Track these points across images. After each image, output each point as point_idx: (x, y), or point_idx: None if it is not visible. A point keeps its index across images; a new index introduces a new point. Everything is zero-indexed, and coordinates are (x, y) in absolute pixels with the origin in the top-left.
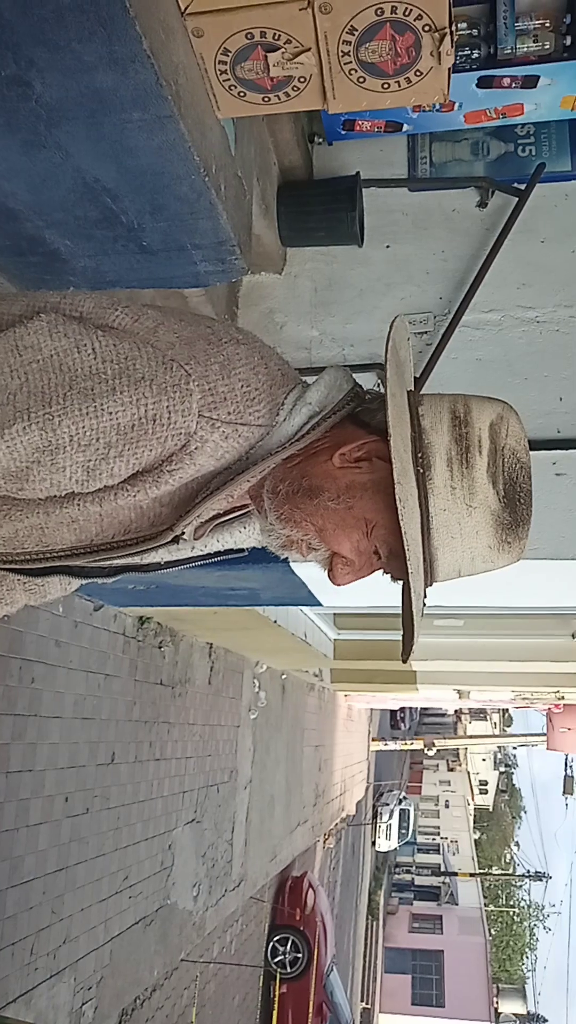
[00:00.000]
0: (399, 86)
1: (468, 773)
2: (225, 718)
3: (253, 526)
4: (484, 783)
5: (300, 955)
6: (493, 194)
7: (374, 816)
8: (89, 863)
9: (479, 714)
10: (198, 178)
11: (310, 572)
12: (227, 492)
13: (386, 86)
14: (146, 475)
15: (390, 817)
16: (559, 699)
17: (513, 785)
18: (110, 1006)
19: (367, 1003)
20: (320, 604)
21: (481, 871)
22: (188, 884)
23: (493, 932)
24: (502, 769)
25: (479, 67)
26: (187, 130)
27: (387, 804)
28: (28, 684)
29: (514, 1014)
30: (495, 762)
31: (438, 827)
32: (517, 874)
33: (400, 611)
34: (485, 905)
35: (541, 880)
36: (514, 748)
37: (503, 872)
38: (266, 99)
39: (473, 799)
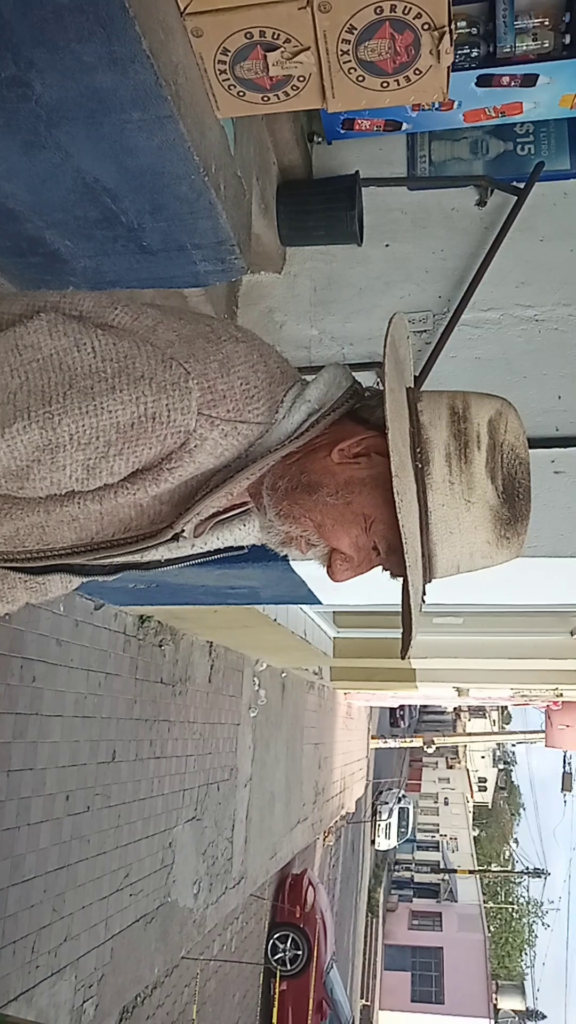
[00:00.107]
0: (398, 85)
1: (467, 770)
2: (225, 716)
3: (253, 523)
4: (483, 780)
5: (300, 952)
6: (492, 193)
7: (373, 814)
8: (90, 861)
9: (478, 711)
10: (198, 178)
11: (310, 570)
12: (227, 490)
13: (385, 85)
14: (146, 473)
15: (389, 816)
16: (558, 696)
17: (512, 782)
18: (111, 1004)
19: (367, 1000)
20: (320, 602)
21: (480, 868)
22: (188, 882)
23: (492, 929)
24: (501, 766)
25: (478, 66)
26: (186, 130)
27: (386, 803)
28: (29, 683)
29: (513, 1010)
30: (494, 759)
31: (437, 824)
32: (516, 871)
33: (399, 609)
34: (484, 902)
35: (540, 877)
36: (513, 745)
37: (502, 869)
38: (265, 98)
39: (472, 796)
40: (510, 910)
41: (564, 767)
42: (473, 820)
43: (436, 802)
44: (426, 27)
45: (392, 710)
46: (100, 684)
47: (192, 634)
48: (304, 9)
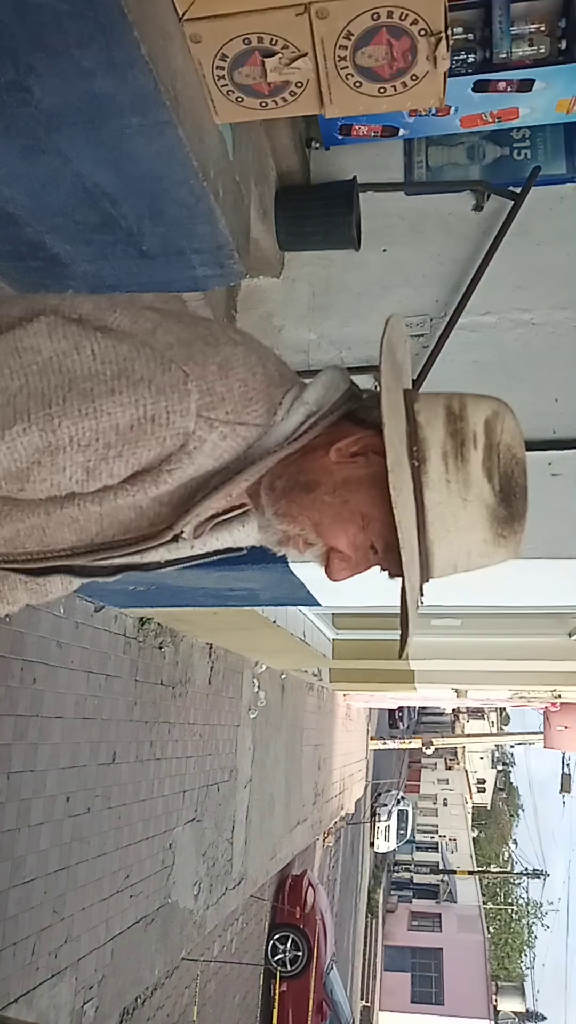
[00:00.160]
0: (395, 90)
1: (466, 771)
2: (225, 718)
3: (252, 525)
4: (482, 781)
5: (300, 953)
6: (489, 197)
7: (372, 815)
8: (90, 862)
9: (477, 713)
10: (196, 183)
11: (309, 572)
12: (226, 491)
13: (383, 90)
14: (145, 475)
15: (388, 818)
16: (556, 697)
17: (511, 783)
18: (111, 1005)
19: (367, 1001)
20: (319, 604)
21: (479, 869)
22: (189, 883)
23: (492, 930)
24: (500, 767)
25: (475, 71)
26: (185, 135)
27: (385, 804)
28: (30, 685)
29: (513, 1012)
30: (493, 760)
31: (436, 825)
32: (515, 872)
33: (398, 610)
34: (484, 903)
35: (539, 878)
36: (512, 746)
37: (501, 870)
38: (263, 104)
39: (471, 797)
40: (510, 911)
41: (563, 768)
42: (472, 821)
43: (435, 803)
44: (423, 33)
45: (391, 711)
46: (100, 686)
47: (192, 636)
48: (302, 15)
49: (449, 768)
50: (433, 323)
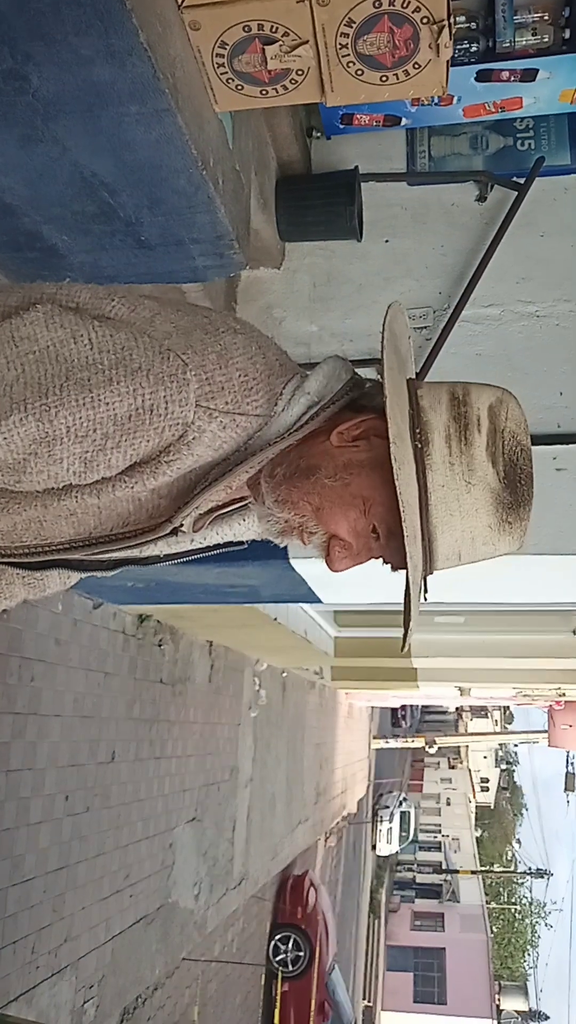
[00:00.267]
0: (397, 79)
1: (469, 770)
2: (225, 716)
3: (252, 518)
4: (485, 780)
5: (302, 953)
6: (492, 188)
7: (373, 816)
8: (90, 862)
9: (480, 711)
10: (196, 172)
11: (310, 569)
12: (226, 483)
13: (384, 79)
14: (144, 466)
15: (390, 820)
16: (560, 696)
17: (514, 782)
18: (112, 1005)
19: (369, 1001)
20: (320, 601)
21: (483, 869)
22: (189, 883)
23: (495, 929)
24: (503, 766)
25: (478, 60)
26: (185, 124)
27: (386, 807)
28: (28, 682)
29: (516, 1011)
30: (496, 759)
31: (439, 825)
32: (518, 871)
33: (401, 607)
34: (487, 902)
35: (542, 877)
36: (515, 745)
37: (504, 869)
38: (264, 92)
39: (474, 796)
40: (513, 910)
41: (567, 767)
42: (475, 820)
43: (438, 802)
44: (425, 21)
45: (393, 710)
46: (99, 684)
47: (192, 633)
48: (302, 2)
49: (452, 767)
50: (436, 315)
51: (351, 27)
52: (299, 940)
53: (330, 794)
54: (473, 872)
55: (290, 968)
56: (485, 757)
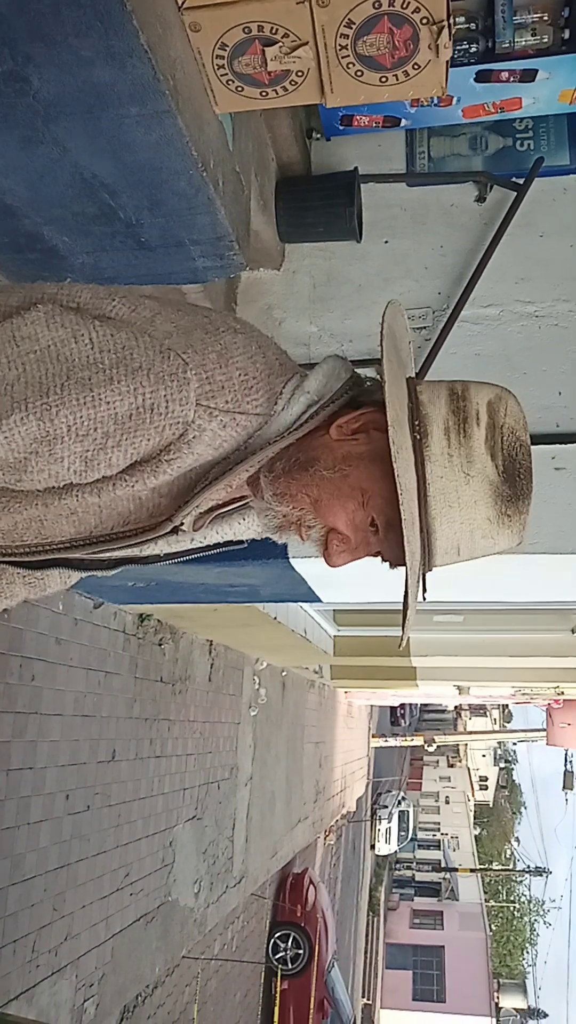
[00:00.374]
0: (397, 79)
1: (468, 769)
2: (225, 715)
3: (252, 517)
4: (484, 779)
5: (301, 951)
6: (491, 188)
7: (372, 815)
8: (90, 860)
9: (479, 710)
10: (196, 173)
11: (310, 568)
12: (226, 482)
13: (384, 79)
14: (144, 465)
15: (389, 820)
16: (559, 694)
17: (513, 781)
18: (112, 1003)
19: (368, 999)
20: (320, 600)
21: (481, 867)
22: (189, 881)
23: (494, 927)
24: (502, 765)
25: (477, 61)
26: (185, 125)
27: (385, 806)
28: (28, 682)
29: (515, 1009)
30: (495, 758)
31: (438, 823)
32: (517, 869)
33: (400, 606)
34: (486, 901)
35: (541, 875)
36: (514, 744)
37: (503, 868)
38: (264, 93)
39: (473, 795)
40: (512, 908)
41: (565, 765)
42: (474, 819)
43: (437, 801)
44: (425, 21)
45: (393, 709)
46: (100, 683)
47: (192, 633)
48: (302, 4)
49: (451, 766)
50: (435, 315)
51: (351, 28)
52: (298, 938)
53: (329, 792)
54: (472, 870)
55: (289, 966)
56: (484, 755)
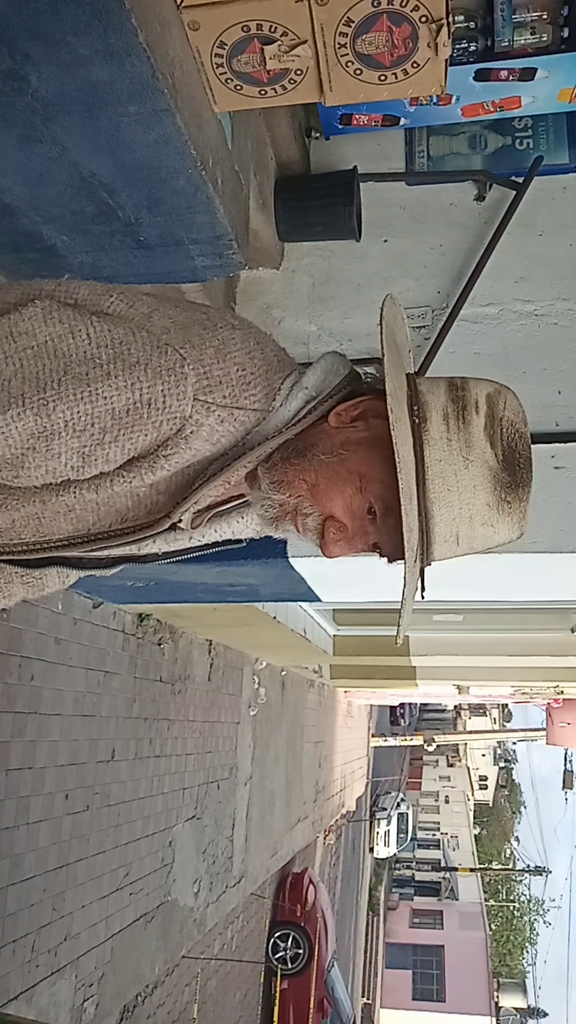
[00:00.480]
0: (396, 78)
1: (468, 769)
2: (225, 715)
3: (250, 516)
4: (484, 778)
5: (301, 951)
6: (491, 187)
7: (371, 817)
8: (90, 860)
9: (478, 709)
10: (195, 172)
11: (310, 567)
12: (224, 478)
13: (383, 78)
14: (142, 460)
15: (388, 823)
16: (558, 693)
17: (513, 780)
18: (111, 1003)
19: (368, 998)
20: (319, 600)
21: (481, 866)
22: (189, 881)
23: (493, 927)
24: (502, 764)
25: (476, 60)
26: (184, 124)
27: (384, 808)
28: (28, 681)
29: (515, 1008)
30: (495, 757)
31: (438, 823)
32: (517, 869)
33: (399, 606)
34: (485, 900)
35: (541, 875)
36: (514, 743)
37: (503, 867)
38: (263, 92)
39: (473, 794)
40: (511, 908)
41: (565, 765)
42: (474, 818)
43: (437, 800)
44: (424, 20)
45: (392, 708)
46: (99, 682)
47: (191, 632)
48: (301, 2)
49: (451, 765)
50: (435, 314)
51: (350, 26)
52: (298, 938)
53: (329, 792)
54: (472, 870)
55: (289, 965)
56: (484, 755)
